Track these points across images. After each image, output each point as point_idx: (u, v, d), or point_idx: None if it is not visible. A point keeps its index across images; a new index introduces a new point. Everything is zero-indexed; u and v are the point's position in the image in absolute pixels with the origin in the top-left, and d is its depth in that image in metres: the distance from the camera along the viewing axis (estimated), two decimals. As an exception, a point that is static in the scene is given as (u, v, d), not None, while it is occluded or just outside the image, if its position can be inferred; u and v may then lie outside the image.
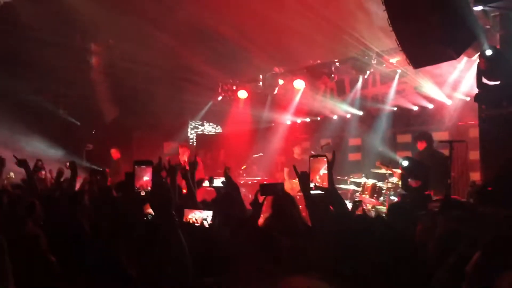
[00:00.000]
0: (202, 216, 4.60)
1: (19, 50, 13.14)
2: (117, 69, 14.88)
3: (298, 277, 1.16)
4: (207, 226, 4.52)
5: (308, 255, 3.47)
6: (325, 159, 4.06)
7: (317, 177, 4.04)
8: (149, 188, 4.09)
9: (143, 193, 4.08)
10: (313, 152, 12.64)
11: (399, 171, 9.93)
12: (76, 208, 4.91)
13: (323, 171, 4.02)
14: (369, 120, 12.87)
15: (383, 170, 10.38)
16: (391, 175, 10.21)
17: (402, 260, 3.75)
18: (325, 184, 4.01)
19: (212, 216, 4.50)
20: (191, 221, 4.55)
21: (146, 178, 4.18)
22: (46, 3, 12.17)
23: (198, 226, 4.43)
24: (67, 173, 6.74)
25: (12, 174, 10.13)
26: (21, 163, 6.19)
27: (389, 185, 10.22)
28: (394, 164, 10.17)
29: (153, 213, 4.24)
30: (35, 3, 12.16)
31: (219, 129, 17.09)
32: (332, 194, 4.02)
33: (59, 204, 5.16)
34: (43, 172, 8.51)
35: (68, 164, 6.64)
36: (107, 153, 14.20)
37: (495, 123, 7.72)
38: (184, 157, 11.71)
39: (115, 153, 13.94)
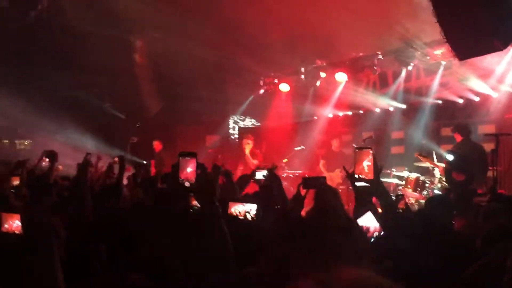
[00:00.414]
0: (245, 209, 4.64)
1: (64, 45, 13.45)
2: (161, 63, 15.05)
3: (345, 268, 1.17)
4: (250, 219, 4.56)
5: (352, 249, 3.47)
6: (370, 151, 4.04)
7: (366, 168, 4.02)
8: (193, 179, 4.16)
9: (187, 184, 4.14)
10: (355, 145, 12.58)
11: (439, 163, 9.81)
12: (117, 200, 5.04)
13: (367, 163, 4.00)
14: (412, 113, 12.70)
15: (426, 164, 10.24)
16: (435, 169, 10.07)
17: (445, 256, 3.73)
18: (370, 176, 4.00)
19: (256, 210, 4.53)
20: (234, 214, 4.59)
21: (190, 169, 4.25)
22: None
23: (241, 219, 4.47)
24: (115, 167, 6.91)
25: (60, 166, 10.41)
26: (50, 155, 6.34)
27: (433, 179, 10.08)
28: (433, 156, 10.04)
29: (198, 205, 4.31)
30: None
31: (260, 123, 17.13)
32: (377, 186, 4.01)
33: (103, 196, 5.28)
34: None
35: (116, 158, 6.79)
36: (151, 146, 14.43)
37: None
38: (247, 150, 12.19)
39: (157, 145, 14.21)
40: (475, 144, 8.84)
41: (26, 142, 15.38)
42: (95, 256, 3.51)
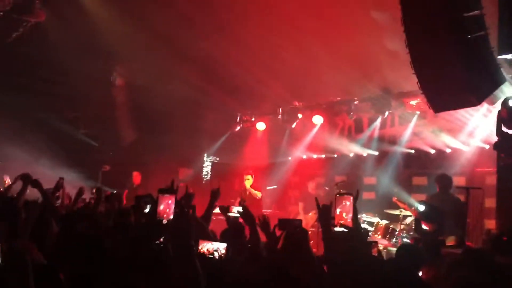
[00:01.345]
0: (213, 247, 4.60)
1: (41, 69, 13.39)
2: (138, 93, 15.05)
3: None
4: (217, 257, 4.52)
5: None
6: (351, 198, 4.07)
7: (344, 214, 4.03)
8: (170, 216, 4.13)
9: (164, 222, 4.12)
10: (327, 188, 12.62)
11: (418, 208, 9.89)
12: (95, 227, 4.97)
13: (347, 208, 4.02)
14: (385, 160, 12.85)
15: (396, 212, 10.31)
16: (405, 217, 10.14)
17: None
18: (349, 222, 4.02)
19: (226, 248, 4.50)
20: (201, 252, 4.55)
21: (168, 206, 4.23)
22: (71, 24, 12.42)
23: (210, 257, 4.43)
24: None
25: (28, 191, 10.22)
26: (34, 183, 6.29)
27: (402, 226, 10.14)
28: (411, 203, 10.12)
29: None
30: (61, 24, 12.41)
31: (235, 159, 17.12)
32: (357, 234, 4.03)
33: (75, 222, 5.20)
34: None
35: (94, 190, 6.76)
36: (122, 176, 14.27)
37: (513, 172, 7.68)
38: (247, 185, 12.26)
39: (136, 177, 13.96)
40: (451, 196, 8.94)
41: (-5, 164, 15.08)
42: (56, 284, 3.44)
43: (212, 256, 4.43)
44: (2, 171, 12.23)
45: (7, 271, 2.68)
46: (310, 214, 12.20)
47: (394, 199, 10.46)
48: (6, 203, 5.91)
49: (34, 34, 12.28)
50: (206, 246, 4.56)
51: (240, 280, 3.75)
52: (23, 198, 6.24)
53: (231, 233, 5.20)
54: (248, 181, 12.33)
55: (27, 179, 6.35)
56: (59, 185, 6.95)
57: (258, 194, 12.10)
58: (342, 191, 4.19)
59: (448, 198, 8.78)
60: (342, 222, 4.03)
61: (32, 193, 6.66)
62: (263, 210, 12.41)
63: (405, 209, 10.12)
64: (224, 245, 4.52)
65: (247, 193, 12.15)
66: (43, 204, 6.31)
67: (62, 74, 13.53)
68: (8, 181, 10.19)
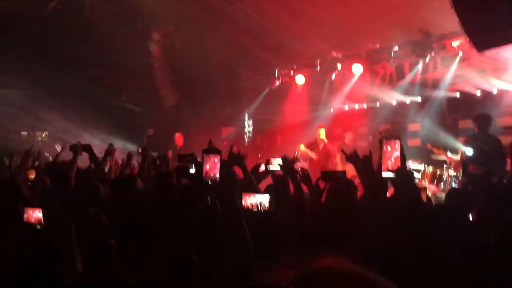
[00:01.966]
0: (256, 201, 4.61)
1: (81, 39, 13.52)
2: (177, 55, 15.07)
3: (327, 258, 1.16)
4: (261, 210, 4.53)
5: (366, 242, 3.45)
6: (398, 141, 3.95)
7: (392, 159, 3.93)
8: (216, 176, 4.15)
9: (210, 182, 4.16)
10: (371, 138, 12.48)
11: (452, 155, 9.74)
12: (131, 192, 5.04)
13: (395, 153, 3.91)
14: (429, 105, 12.57)
15: (441, 156, 10.15)
16: (451, 163, 9.99)
17: (463, 249, 3.69)
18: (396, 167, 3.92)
19: (269, 201, 4.51)
20: (246, 206, 4.57)
21: (214, 166, 4.26)
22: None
23: (254, 211, 4.45)
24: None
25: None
26: (85, 148, 6.42)
27: (450, 172, 9.99)
28: (446, 148, 9.95)
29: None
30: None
31: (276, 115, 17.09)
32: (406, 178, 3.95)
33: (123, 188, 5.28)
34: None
35: (140, 150, 6.85)
36: (167, 139, 14.44)
37: None
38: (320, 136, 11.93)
39: (179, 138, 14.00)
40: (491, 136, 8.72)
41: (43, 134, 15.53)
42: (105, 251, 3.51)
43: (255, 209, 4.45)
44: (53, 140, 12.62)
45: (49, 233, 2.76)
46: (350, 165, 12.05)
47: (428, 145, 10.30)
48: (58, 172, 6.04)
49: (69, 4, 12.36)
50: (249, 200, 4.59)
51: (284, 233, 3.76)
52: (74, 167, 6.37)
53: (274, 186, 5.19)
54: (322, 135, 12.00)
55: (76, 149, 6.46)
56: (110, 151, 7.08)
57: (313, 156, 11.76)
58: (386, 136, 4.05)
59: (487, 139, 8.58)
60: (389, 167, 3.93)
61: (81, 161, 6.80)
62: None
63: (441, 155, 9.96)
64: (267, 197, 4.51)
65: (321, 146, 11.90)
66: (93, 170, 6.46)
67: (99, 43, 13.64)
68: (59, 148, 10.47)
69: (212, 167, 4.39)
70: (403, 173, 3.91)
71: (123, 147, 12.80)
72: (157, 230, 3.67)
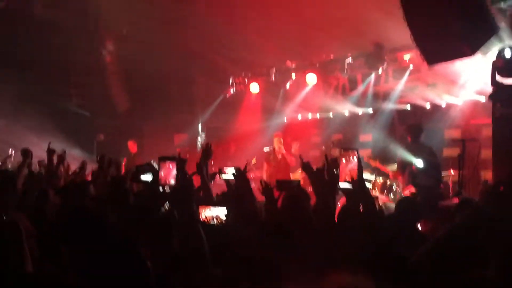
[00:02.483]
0: (213, 214, 4.59)
1: (30, 40, 13.21)
2: (130, 60, 14.89)
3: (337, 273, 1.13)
4: (215, 224, 4.52)
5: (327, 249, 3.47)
6: (356, 153, 4.02)
7: (346, 169, 3.99)
8: (172, 183, 4.13)
9: (167, 189, 4.13)
10: (323, 148, 12.59)
11: (388, 167, 9.99)
12: (83, 198, 4.95)
13: (351, 164, 3.98)
14: (381, 116, 12.79)
15: (394, 167, 10.34)
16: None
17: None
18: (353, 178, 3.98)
19: (226, 214, 4.49)
20: (202, 219, 4.55)
21: (170, 173, 4.24)
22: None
23: (211, 224, 4.43)
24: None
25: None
26: (50, 152, 6.34)
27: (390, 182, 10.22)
28: (385, 160, 10.19)
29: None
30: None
31: (230, 123, 17.08)
32: (362, 190, 4.00)
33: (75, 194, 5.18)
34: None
35: (98, 157, 6.78)
36: (118, 144, 14.23)
37: (509, 122, 7.66)
38: (277, 146, 11.38)
39: (132, 146, 13.80)
40: (423, 145, 9.02)
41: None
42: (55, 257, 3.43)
43: (211, 223, 4.44)
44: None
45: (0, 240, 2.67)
46: (297, 172, 12.04)
47: (365, 158, 10.54)
48: (4, 176, 5.88)
49: (21, 5, 12.06)
50: (205, 213, 4.56)
51: (241, 245, 3.73)
52: (23, 171, 6.22)
53: (231, 197, 5.15)
54: (281, 143, 11.48)
55: (26, 153, 6.33)
56: (62, 158, 6.95)
57: (292, 158, 11.23)
58: (344, 147, 4.10)
59: (420, 148, 8.83)
60: (346, 178, 4.00)
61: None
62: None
63: (380, 169, 10.21)
64: (223, 210, 4.50)
65: (279, 156, 11.40)
66: (44, 176, 6.31)
67: (50, 45, 13.35)
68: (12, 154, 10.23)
69: (168, 174, 4.36)
70: (360, 184, 3.97)
71: (71, 152, 12.52)
72: (110, 236, 3.58)
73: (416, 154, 8.69)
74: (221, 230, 4.39)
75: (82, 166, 7.21)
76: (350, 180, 3.97)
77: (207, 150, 5.72)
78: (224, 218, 4.57)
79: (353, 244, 3.62)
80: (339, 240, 3.69)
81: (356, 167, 3.98)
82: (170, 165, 4.29)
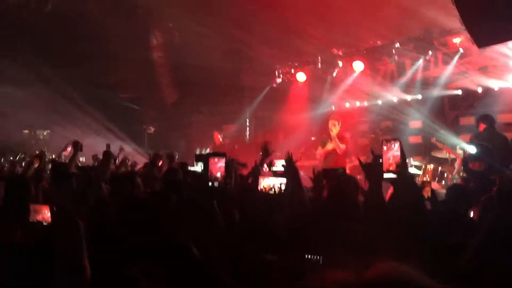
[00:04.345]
0: (271, 183, 4.67)
1: (80, 37, 13.52)
2: (177, 52, 15.09)
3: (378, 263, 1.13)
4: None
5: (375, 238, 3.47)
6: (398, 143, 3.98)
7: (391, 160, 3.95)
8: (221, 178, 4.27)
9: (216, 184, 4.25)
10: (372, 135, 12.48)
11: (458, 151, 9.75)
12: (132, 188, 5.07)
13: (395, 154, 3.94)
14: (431, 102, 12.57)
15: (444, 154, 10.16)
16: (454, 160, 9.99)
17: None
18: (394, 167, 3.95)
19: (286, 184, 4.56)
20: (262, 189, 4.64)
21: (219, 169, 4.35)
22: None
23: (271, 194, 4.52)
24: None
25: (82, 158, 10.60)
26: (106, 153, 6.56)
27: (452, 169, 10.01)
28: (451, 144, 9.95)
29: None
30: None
31: (277, 113, 17.10)
32: (407, 178, 3.97)
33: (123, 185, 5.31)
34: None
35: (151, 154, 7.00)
36: (167, 136, 14.46)
37: None
38: (332, 130, 10.29)
39: (217, 137, 13.53)
40: (498, 134, 8.73)
41: (45, 133, 15.58)
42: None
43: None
44: (55, 139, 12.69)
45: (58, 231, 2.76)
46: None
47: (433, 140, 10.27)
48: (58, 169, 6.08)
49: (66, 4, 12.35)
50: (263, 182, 4.64)
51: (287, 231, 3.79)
52: (74, 164, 6.44)
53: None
54: (335, 128, 10.32)
55: (77, 146, 6.53)
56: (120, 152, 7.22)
57: (342, 147, 10.11)
58: (388, 136, 4.08)
59: (493, 137, 8.58)
60: (390, 168, 3.95)
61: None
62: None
63: (446, 150, 9.97)
64: (282, 180, 4.58)
65: (333, 142, 10.27)
66: (96, 168, 6.50)
67: (99, 40, 13.64)
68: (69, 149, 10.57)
69: (217, 169, 4.47)
70: (404, 174, 3.92)
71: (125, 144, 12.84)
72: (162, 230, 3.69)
73: (491, 142, 8.48)
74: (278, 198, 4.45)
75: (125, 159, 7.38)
76: (394, 169, 3.92)
77: (266, 149, 5.75)
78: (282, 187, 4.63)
79: (403, 233, 3.60)
80: (388, 228, 3.68)
81: (399, 154, 3.93)
82: (216, 159, 4.39)
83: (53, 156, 9.72)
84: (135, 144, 14.72)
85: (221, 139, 13.55)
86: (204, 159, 4.63)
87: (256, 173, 5.65)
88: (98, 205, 4.51)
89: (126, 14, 13.11)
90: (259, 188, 4.59)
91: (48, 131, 15.91)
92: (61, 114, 14.38)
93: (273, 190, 4.57)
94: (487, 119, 8.86)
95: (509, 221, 3.36)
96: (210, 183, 4.36)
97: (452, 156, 10.01)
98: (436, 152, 10.63)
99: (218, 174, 4.38)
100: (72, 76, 14.38)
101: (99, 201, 4.74)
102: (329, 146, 10.21)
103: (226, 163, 4.53)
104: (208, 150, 13.20)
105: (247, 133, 16.88)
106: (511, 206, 3.68)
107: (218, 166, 4.40)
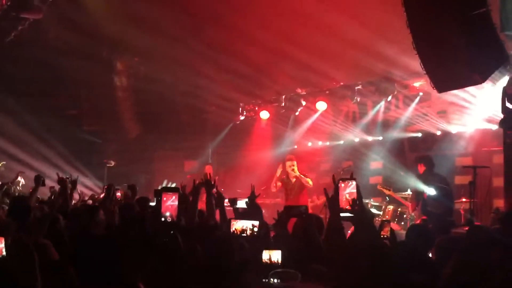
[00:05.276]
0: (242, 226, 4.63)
1: (43, 67, 13.34)
2: (140, 87, 15.02)
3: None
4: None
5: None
6: (354, 182, 4.01)
7: (344, 199, 3.97)
8: (175, 215, 4.22)
9: (169, 219, 4.21)
10: (334, 175, 12.54)
11: (401, 194, 9.94)
12: (91, 222, 4.97)
13: (350, 190, 3.96)
14: (391, 143, 12.78)
15: (405, 195, 10.30)
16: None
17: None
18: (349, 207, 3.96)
19: (258, 226, 4.52)
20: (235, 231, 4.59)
21: (172, 204, 4.32)
22: (73, 20, 12.34)
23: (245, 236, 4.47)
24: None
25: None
26: (61, 181, 6.38)
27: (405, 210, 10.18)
28: (397, 188, 10.15)
29: None
30: (62, 20, 12.35)
31: (240, 150, 17.09)
32: (362, 217, 3.98)
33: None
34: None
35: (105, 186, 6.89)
36: (127, 170, 14.26)
37: (520, 149, 7.62)
38: (290, 169, 10.64)
39: (209, 171, 13.07)
40: (437, 175, 8.93)
41: (0, 164, 15.18)
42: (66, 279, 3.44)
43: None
44: (10, 171, 12.38)
45: (12, 263, 2.67)
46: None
47: (379, 186, 10.49)
48: (18, 202, 5.94)
49: (32, 33, 12.20)
50: (235, 225, 4.59)
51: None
52: (34, 197, 6.39)
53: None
54: (295, 166, 10.64)
55: (39, 180, 6.44)
56: (74, 184, 7.01)
57: (309, 181, 10.43)
58: (344, 176, 4.11)
59: (434, 178, 8.76)
60: (347, 207, 3.98)
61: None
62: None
63: (391, 196, 10.16)
64: (254, 222, 4.54)
65: (293, 180, 10.63)
66: (56, 202, 6.36)
67: (62, 73, 13.52)
68: (20, 179, 10.32)
69: (169, 205, 4.44)
70: (360, 213, 3.95)
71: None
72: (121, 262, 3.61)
73: (429, 183, 8.63)
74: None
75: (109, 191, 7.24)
76: (349, 208, 3.94)
77: (208, 181, 5.69)
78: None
79: (364, 272, 3.59)
80: (350, 267, 3.67)
81: (355, 191, 3.97)
82: (173, 197, 4.38)
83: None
84: (94, 177, 14.47)
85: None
86: (159, 194, 4.58)
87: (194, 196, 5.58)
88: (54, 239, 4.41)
89: (92, 45, 13.01)
90: (231, 231, 4.54)
91: (4, 162, 15.50)
92: (18, 146, 14.06)
93: (245, 232, 4.52)
94: (425, 160, 9.04)
95: (474, 270, 3.39)
96: (163, 219, 4.33)
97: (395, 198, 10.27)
98: (397, 193, 10.75)
99: (167, 213, 4.36)
100: (33, 106, 14.12)
101: (55, 235, 4.63)
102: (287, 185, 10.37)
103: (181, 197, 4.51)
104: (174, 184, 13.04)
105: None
106: (478, 258, 3.72)
107: (170, 202, 4.37)
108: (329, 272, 3.56)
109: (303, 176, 10.42)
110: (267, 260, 4.11)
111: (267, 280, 3.41)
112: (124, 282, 3.16)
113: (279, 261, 4.12)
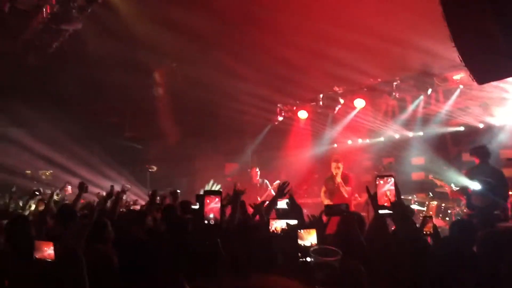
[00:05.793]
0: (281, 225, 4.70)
1: (84, 75, 13.65)
2: (180, 93, 15.20)
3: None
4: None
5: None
6: (392, 178, 3.99)
7: (387, 195, 3.96)
8: (217, 216, 4.29)
9: (212, 221, 4.28)
10: (376, 172, 12.46)
11: (454, 186, 9.75)
12: (140, 228, 5.09)
13: (389, 187, 3.94)
14: (432, 138, 12.60)
15: (444, 188, 10.14)
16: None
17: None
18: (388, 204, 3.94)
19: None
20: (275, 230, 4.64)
21: (215, 206, 4.38)
22: (111, 30, 12.59)
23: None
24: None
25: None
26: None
27: (455, 204, 9.97)
28: (448, 179, 9.95)
29: None
30: (101, 30, 12.62)
31: (279, 150, 17.12)
32: (400, 213, 3.96)
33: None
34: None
35: (150, 192, 7.13)
36: (169, 175, 14.45)
37: None
38: (335, 172, 10.61)
39: (255, 175, 13.24)
40: (492, 167, 8.72)
41: (47, 173, 15.59)
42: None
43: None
44: (57, 179, 12.74)
45: (62, 268, 2.77)
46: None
47: (430, 176, 10.29)
48: (65, 209, 6.17)
49: (73, 44, 12.50)
50: (275, 224, 4.66)
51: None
52: (78, 203, 6.77)
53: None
54: (339, 170, 10.59)
55: (82, 187, 6.78)
56: (124, 190, 7.34)
57: (348, 189, 10.40)
58: (380, 175, 4.08)
59: (488, 170, 8.57)
60: (385, 204, 3.96)
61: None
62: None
63: (443, 187, 9.97)
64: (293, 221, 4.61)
65: (336, 185, 10.51)
66: (103, 208, 6.57)
67: (102, 82, 13.80)
68: (69, 188, 10.65)
69: (212, 208, 4.49)
70: (400, 210, 3.92)
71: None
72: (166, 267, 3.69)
73: (474, 177, 8.48)
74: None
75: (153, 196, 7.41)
76: (388, 205, 3.92)
77: (281, 190, 5.78)
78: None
79: (405, 268, 3.58)
80: (392, 264, 3.66)
81: (393, 188, 3.94)
82: (215, 199, 4.43)
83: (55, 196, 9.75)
84: (137, 183, 14.73)
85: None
86: (201, 198, 4.65)
87: (259, 211, 5.66)
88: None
89: (129, 52, 13.23)
90: (270, 230, 4.61)
91: (51, 171, 15.93)
92: (64, 153, 14.45)
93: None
94: (479, 152, 8.85)
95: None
96: (206, 221, 4.39)
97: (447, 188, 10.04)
98: (440, 188, 10.59)
99: (211, 215, 4.41)
100: (76, 116, 14.49)
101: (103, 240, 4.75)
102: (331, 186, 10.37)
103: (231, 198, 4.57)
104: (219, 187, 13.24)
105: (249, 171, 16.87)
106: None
107: (213, 205, 4.42)
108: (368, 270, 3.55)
109: (343, 185, 10.44)
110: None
111: (305, 259, 3.44)
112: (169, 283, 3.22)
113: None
